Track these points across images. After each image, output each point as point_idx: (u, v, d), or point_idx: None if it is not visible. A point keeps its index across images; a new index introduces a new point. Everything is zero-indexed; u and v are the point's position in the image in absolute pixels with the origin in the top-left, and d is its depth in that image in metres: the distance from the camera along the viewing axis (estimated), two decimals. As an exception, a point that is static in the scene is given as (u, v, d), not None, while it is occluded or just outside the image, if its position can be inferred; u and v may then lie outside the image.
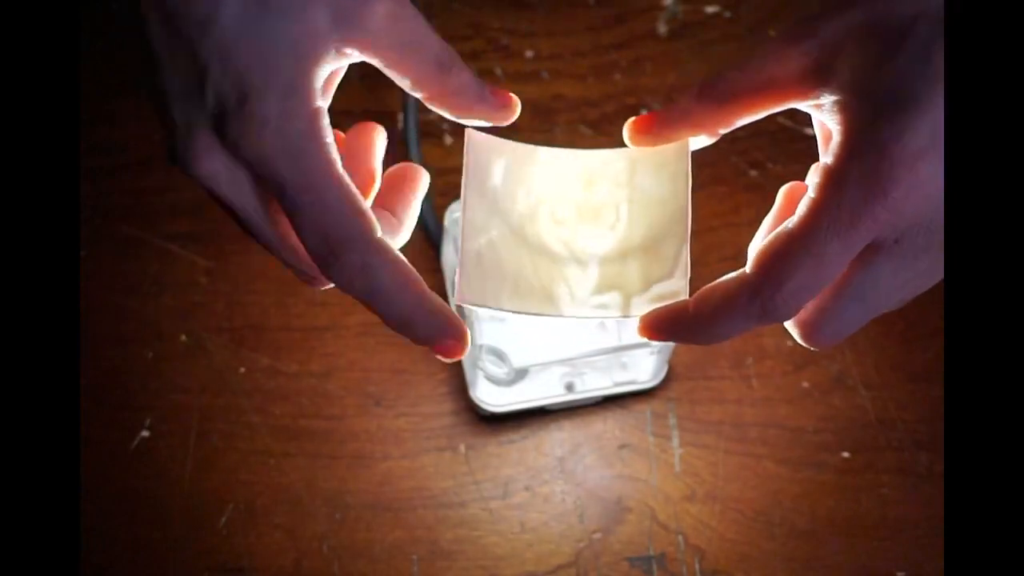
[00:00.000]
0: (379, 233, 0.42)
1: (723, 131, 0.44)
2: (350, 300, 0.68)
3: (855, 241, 0.39)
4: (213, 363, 0.66)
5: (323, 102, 0.41)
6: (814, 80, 0.41)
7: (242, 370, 0.66)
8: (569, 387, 0.64)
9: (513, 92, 0.45)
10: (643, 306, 0.43)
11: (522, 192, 0.46)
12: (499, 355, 0.62)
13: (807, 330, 0.42)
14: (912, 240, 0.39)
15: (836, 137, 0.40)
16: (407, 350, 0.66)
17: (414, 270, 0.43)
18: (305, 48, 0.40)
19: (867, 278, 0.40)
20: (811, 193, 0.40)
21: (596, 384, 0.64)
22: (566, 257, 0.45)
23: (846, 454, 0.64)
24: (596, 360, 0.62)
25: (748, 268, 0.41)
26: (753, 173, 0.70)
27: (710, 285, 0.42)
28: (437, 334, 0.43)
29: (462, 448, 0.64)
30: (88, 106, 0.71)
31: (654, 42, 0.76)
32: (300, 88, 0.40)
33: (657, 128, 0.44)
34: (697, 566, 0.61)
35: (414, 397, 0.65)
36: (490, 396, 0.63)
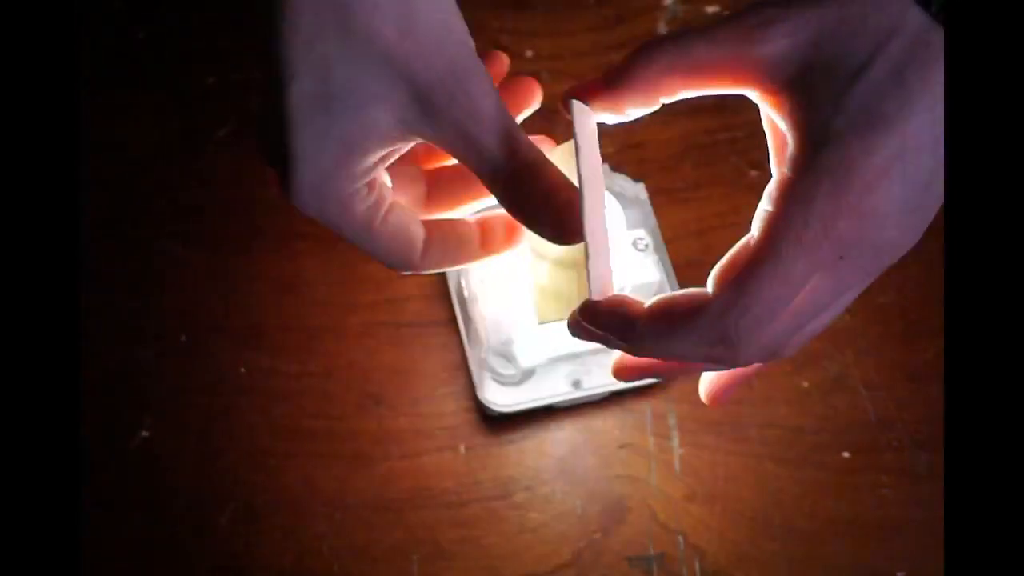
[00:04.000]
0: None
1: (665, 101, 0.42)
2: (350, 300, 0.68)
3: (823, 259, 0.37)
4: (213, 363, 0.66)
5: (366, 178, 0.41)
6: (778, 73, 0.39)
7: (242, 370, 0.66)
8: (576, 384, 0.64)
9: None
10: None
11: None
12: (506, 355, 0.62)
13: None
14: (857, 259, 0.38)
15: (795, 145, 0.38)
16: (407, 350, 0.67)
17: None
18: (358, 147, 0.40)
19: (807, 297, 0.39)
20: (771, 207, 0.38)
21: (603, 380, 0.64)
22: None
23: (846, 454, 0.64)
24: (602, 356, 0.62)
25: (710, 288, 0.39)
26: (753, 173, 0.70)
27: (663, 299, 0.40)
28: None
29: (462, 448, 0.64)
30: (88, 106, 0.72)
31: (654, 42, 0.76)
32: (336, 178, 0.40)
33: (595, 97, 0.42)
34: (697, 566, 0.61)
35: (414, 397, 0.65)
36: (497, 396, 0.63)
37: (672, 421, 0.65)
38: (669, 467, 0.64)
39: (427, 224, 0.45)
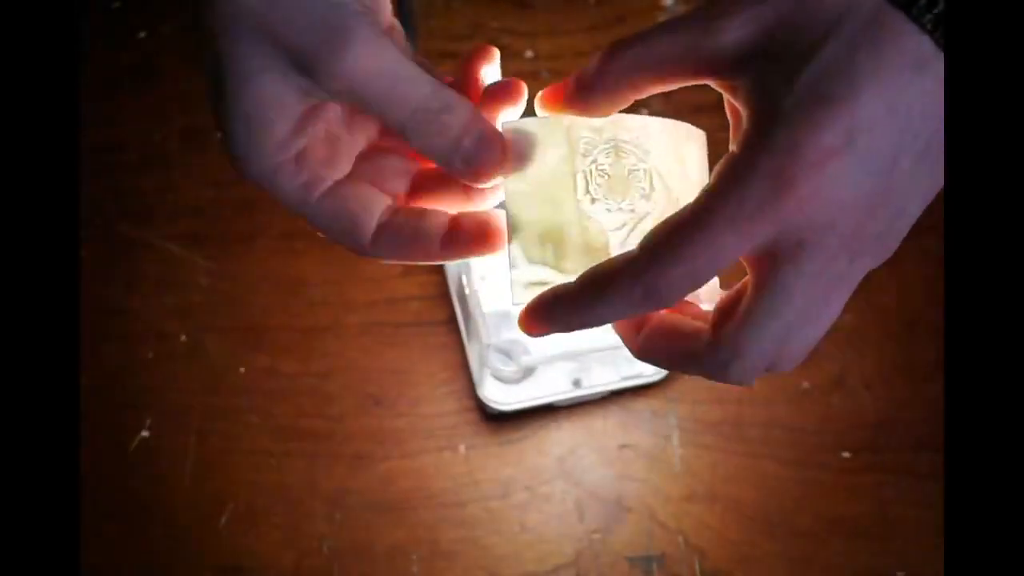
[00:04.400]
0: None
1: (635, 98, 0.42)
2: (350, 300, 0.68)
3: (753, 235, 0.37)
4: (213, 363, 0.66)
5: (288, 150, 0.42)
6: (734, 62, 0.38)
7: (242, 370, 0.66)
8: (576, 383, 0.64)
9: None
10: None
11: (556, 170, 0.44)
12: (507, 354, 0.62)
13: (726, 360, 0.39)
14: (818, 244, 0.37)
15: (745, 125, 0.38)
16: (407, 350, 0.67)
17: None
18: (262, 119, 0.41)
19: (777, 290, 0.38)
20: (711, 180, 0.38)
21: (603, 379, 0.64)
22: (608, 238, 0.43)
23: (846, 454, 0.64)
24: (602, 355, 0.62)
25: (635, 249, 0.39)
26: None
27: (597, 265, 0.40)
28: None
29: (462, 448, 0.64)
30: (88, 106, 0.71)
31: (654, 42, 0.76)
32: (253, 153, 0.41)
33: (567, 99, 0.42)
34: (697, 566, 0.61)
35: (414, 397, 0.65)
36: (498, 395, 0.63)
37: (672, 421, 0.65)
38: (669, 467, 0.64)
39: (392, 211, 0.44)
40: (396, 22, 0.45)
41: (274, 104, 0.41)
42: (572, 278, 0.41)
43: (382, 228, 0.43)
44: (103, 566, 0.60)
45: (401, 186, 0.45)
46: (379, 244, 0.43)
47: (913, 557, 0.61)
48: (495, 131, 0.42)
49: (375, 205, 0.43)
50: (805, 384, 0.66)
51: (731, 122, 0.42)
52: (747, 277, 0.39)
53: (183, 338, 0.67)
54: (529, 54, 0.75)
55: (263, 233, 0.70)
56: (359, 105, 0.41)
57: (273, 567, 0.61)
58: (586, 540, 0.62)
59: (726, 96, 0.41)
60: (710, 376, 0.40)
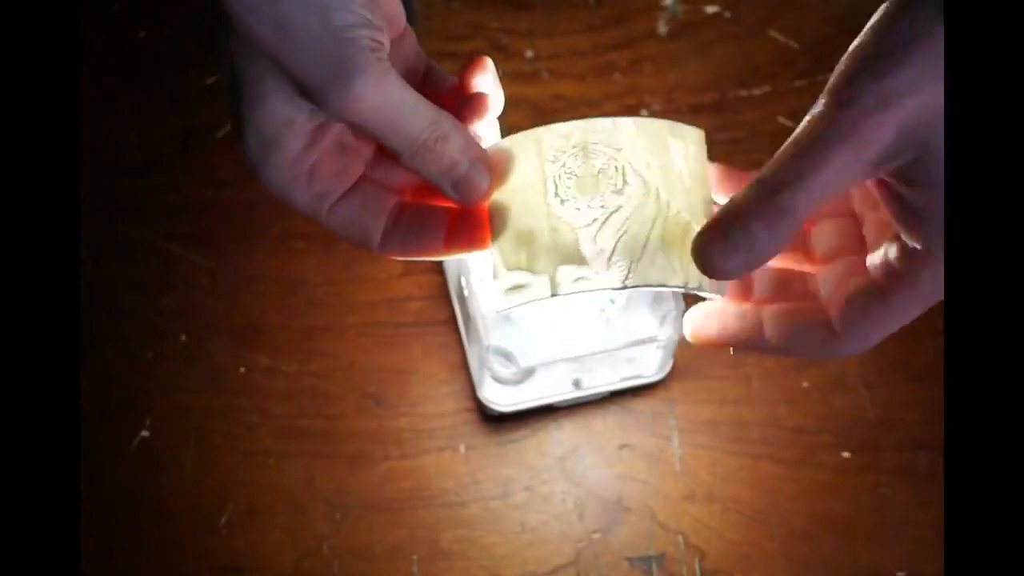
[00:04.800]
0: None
1: None
2: (350, 300, 0.68)
3: (871, 143, 0.39)
4: (213, 363, 0.66)
5: (299, 166, 0.44)
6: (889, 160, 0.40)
7: (242, 370, 0.66)
8: (576, 384, 0.64)
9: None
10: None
11: (528, 180, 0.46)
12: (507, 355, 0.62)
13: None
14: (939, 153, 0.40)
15: (923, 210, 0.40)
16: (407, 350, 0.67)
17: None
18: (275, 138, 0.43)
19: (915, 297, 0.42)
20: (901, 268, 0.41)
21: (603, 380, 0.64)
22: (581, 236, 0.44)
23: (846, 454, 0.64)
24: (602, 356, 0.62)
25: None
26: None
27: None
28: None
29: (462, 448, 0.64)
30: (88, 106, 0.71)
31: (654, 42, 0.76)
32: (265, 167, 0.44)
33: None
34: (697, 566, 0.61)
35: (414, 397, 0.65)
36: (497, 396, 0.63)
37: (672, 421, 0.65)
38: (669, 467, 0.64)
39: (400, 210, 0.46)
40: (408, 28, 0.47)
41: (285, 123, 0.43)
42: (546, 278, 0.43)
43: (390, 230, 0.46)
44: (103, 566, 0.60)
45: (407, 182, 0.47)
46: (388, 245, 0.46)
47: (913, 557, 0.61)
48: (483, 158, 0.45)
49: (382, 209, 0.46)
50: (805, 384, 0.66)
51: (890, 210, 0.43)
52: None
53: (183, 338, 0.67)
54: (529, 54, 0.75)
55: (263, 233, 0.70)
56: (361, 131, 0.43)
57: (273, 567, 0.61)
58: (586, 540, 0.62)
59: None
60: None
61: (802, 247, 0.46)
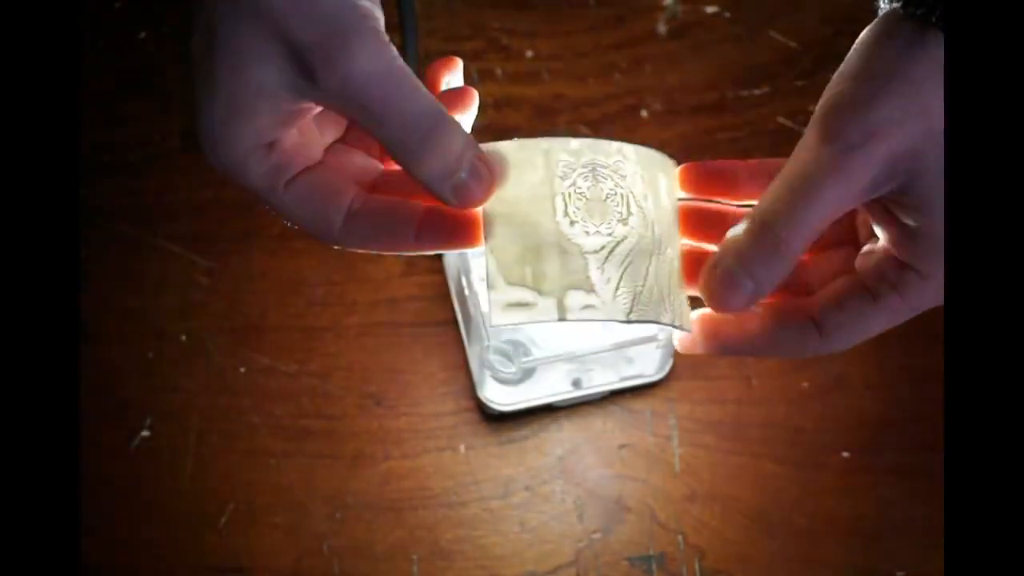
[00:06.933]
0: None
1: None
2: (350, 300, 0.68)
3: (859, 173, 0.40)
4: (213, 363, 0.66)
5: (261, 138, 0.41)
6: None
7: (242, 370, 0.66)
8: (576, 383, 0.64)
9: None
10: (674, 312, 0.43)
11: (529, 197, 0.44)
12: (506, 355, 0.62)
13: None
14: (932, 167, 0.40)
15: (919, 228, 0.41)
16: (407, 350, 0.66)
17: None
18: (248, 106, 0.40)
19: (889, 301, 0.43)
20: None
21: (603, 379, 0.64)
22: (586, 262, 0.43)
23: (846, 454, 0.64)
24: (602, 356, 0.62)
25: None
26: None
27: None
28: None
29: (462, 448, 0.64)
30: (89, 106, 0.71)
31: (654, 42, 0.76)
32: (225, 141, 0.41)
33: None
34: (697, 566, 0.61)
35: (414, 397, 0.65)
36: (498, 396, 0.63)
37: (672, 421, 0.65)
38: (669, 467, 0.64)
39: (365, 198, 0.43)
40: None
41: (263, 94, 0.40)
42: (552, 300, 0.42)
43: (354, 215, 0.43)
44: (103, 566, 0.60)
45: (367, 180, 0.45)
46: (350, 231, 0.43)
47: (913, 557, 0.61)
48: (487, 161, 0.42)
49: (345, 192, 0.43)
50: (805, 384, 0.66)
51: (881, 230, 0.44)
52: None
53: (183, 338, 0.67)
54: (529, 54, 0.75)
55: (263, 233, 0.70)
56: (352, 112, 0.40)
57: (273, 567, 0.61)
58: (586, 540, 0.62)
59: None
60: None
61: None
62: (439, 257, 0.68)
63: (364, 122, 0.40)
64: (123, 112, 0.73)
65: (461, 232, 0.43)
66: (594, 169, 0.44)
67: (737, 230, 0.41)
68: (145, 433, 0.64)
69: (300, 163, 0.42)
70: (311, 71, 0.39)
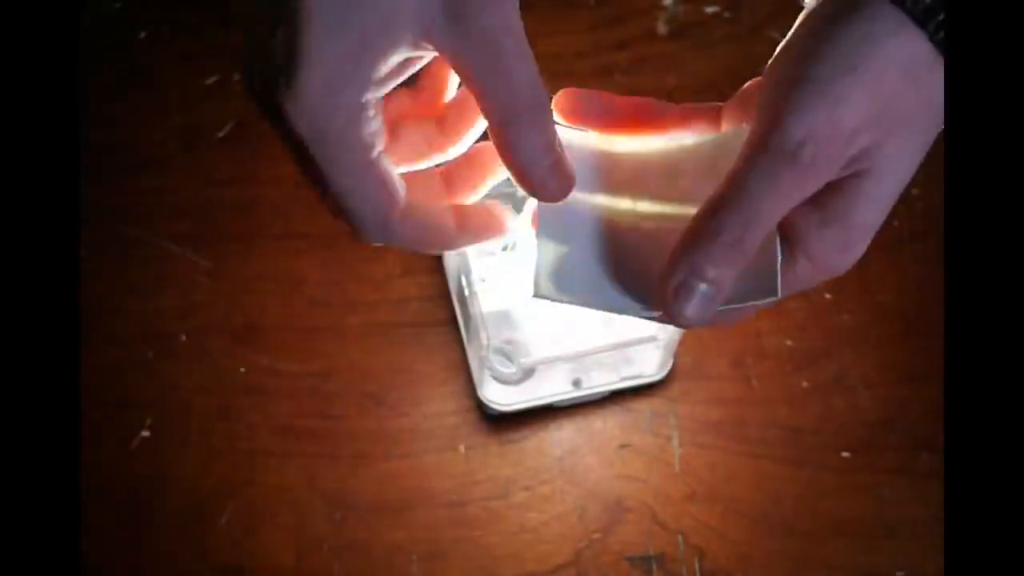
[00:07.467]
0: (399, 210, 0.41)
1: None
2: (350, 300, 0.68)
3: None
4: (213, 363, 0.66)
5: (377, 91, 0.38)
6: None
7: (242, 370, 0.66)
8: (576, 383, 0.64)
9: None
10: (732, 299, 0.41)
11: (601, 182, 0.43)
12: (507, 355, 0.62)
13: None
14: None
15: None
16: (407, 350, 0.67)
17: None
18: (376, 44, 0.37)
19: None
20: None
21: (603, 379, 0.64)
22: (650, 251, 0.42)
23: (846, 454, 0.64)
24: (603, 356, 0.62)
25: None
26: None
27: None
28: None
29: (462, 448, 0.64)
30: (88, 106, 0.71)
31: (654, 42, 0.76)
32: (349, 81, 0.37)
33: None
34: (697, 566, 0.61)
35: (414, 397, 0.65)
36: (498, 396, 0.63)
37: (672, 421, 0.65)
38: (669, 467, 0.64)
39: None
40: None
41: (399, 31, 0.37)
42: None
43: (406, 207, 0.41)
44: (103, 566, 0.60)
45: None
46: (407, 222, 0.41)
47: (913, 557, 0.61)
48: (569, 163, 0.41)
49: (399, 187, 0.41)
50: (805, 384, 0.66)
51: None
52: None
53: (183, 338, 0.67)
54: (529, 54, 0.75)
55: (263, 233, 0.70)
56: (480, 60, 0.38)
57: (273, 567, 0.61)
58: (586, 540, 0.62)
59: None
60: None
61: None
62: (439, 257, 0.68)
63: (486, 75, 0.38)
64: (123, 112, 0.73)
65: (493, 224, 0.43)
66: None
67: (687, 233, 0.40)
68: (145, 433, 0.64)
69: (384, 140, 0.40)
70: (464, 8, 0.37)
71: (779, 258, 0.40)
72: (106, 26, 0.76)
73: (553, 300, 0.42)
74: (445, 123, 0.44)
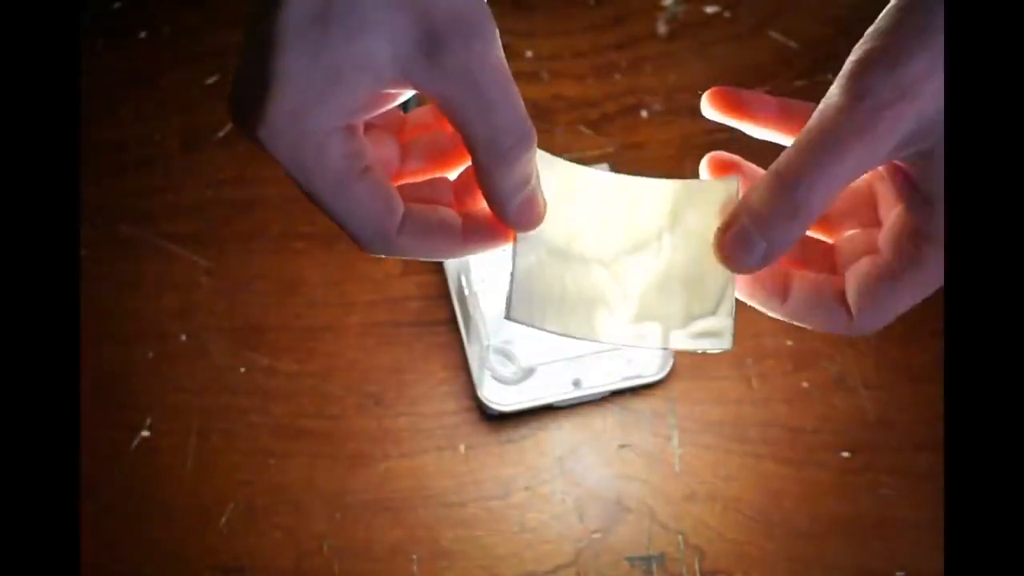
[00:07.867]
0: (398, 220, 0.41)
1: None
2: (350, 300, 0.68)
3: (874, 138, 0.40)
4: (213, 363, 0.66)
5: (352, 118, 0.39)
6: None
7: (242, 370, 0.66)
8: (576, 383, 0.64)
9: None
10: (682, 340, 0.43)
11: (568, 211, 0.44)
12: (507, 355, 0.62)
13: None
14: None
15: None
16: (407, 350, 0.66)
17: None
18: (349, 78, 0.38)
19: (921, 278, 0.42)
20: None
21: (603, 380, 0.64)
22: (608, 281, 0.44)
23: (846, 454, 0.64)
24: (602, 356, 0.62)
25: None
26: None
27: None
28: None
29: (462, 448, 0.64)
30: (88, 106, 0.71)
31: (654, 42, 0.76)
32: (316, 110, 0.38)
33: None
34: (697, 566, 0.61)
35: (414, 397, 0.65)
36: (498, 396, 0.63)
37: (672, 421, 0.65)
38: (669, 467, 0.64)
39: (407, 204, 0.42)
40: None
41: (371, 67, 0.37)
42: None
43: (407, 218, 0.41)
44: (103, 566, 0.60)
45: (393, 154, 0.44)
46: (405, 236, 0.41)
47: (913, 557, 0.61)
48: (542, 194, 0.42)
49: (397, 196, 0.41)
50: (805, 384, 0.66)
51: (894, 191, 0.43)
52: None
53: (183, 338, 0.67)
54: (529, 54, 0.75)
55: (262, 233, 0.70)
56: (461, 97, 0.38)
57: (273, 567, 0.61)
58: (586, 540, 0.62)
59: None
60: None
61: (821, 217, 0.46)
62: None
63: (466, 112, 0.38)
64: (123, 112, 0.73)
65: (499, 231, 0.43)
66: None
67: (755, 189, 0.41)
68: (145, 433, 0.64)
69: (366, 156, 0.40)
70: (440, 46, 0.37)
71: (734, 310, 0.43)
72: (106, 26, 0.76)
73: (524, 324, 0.43)
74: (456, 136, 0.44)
